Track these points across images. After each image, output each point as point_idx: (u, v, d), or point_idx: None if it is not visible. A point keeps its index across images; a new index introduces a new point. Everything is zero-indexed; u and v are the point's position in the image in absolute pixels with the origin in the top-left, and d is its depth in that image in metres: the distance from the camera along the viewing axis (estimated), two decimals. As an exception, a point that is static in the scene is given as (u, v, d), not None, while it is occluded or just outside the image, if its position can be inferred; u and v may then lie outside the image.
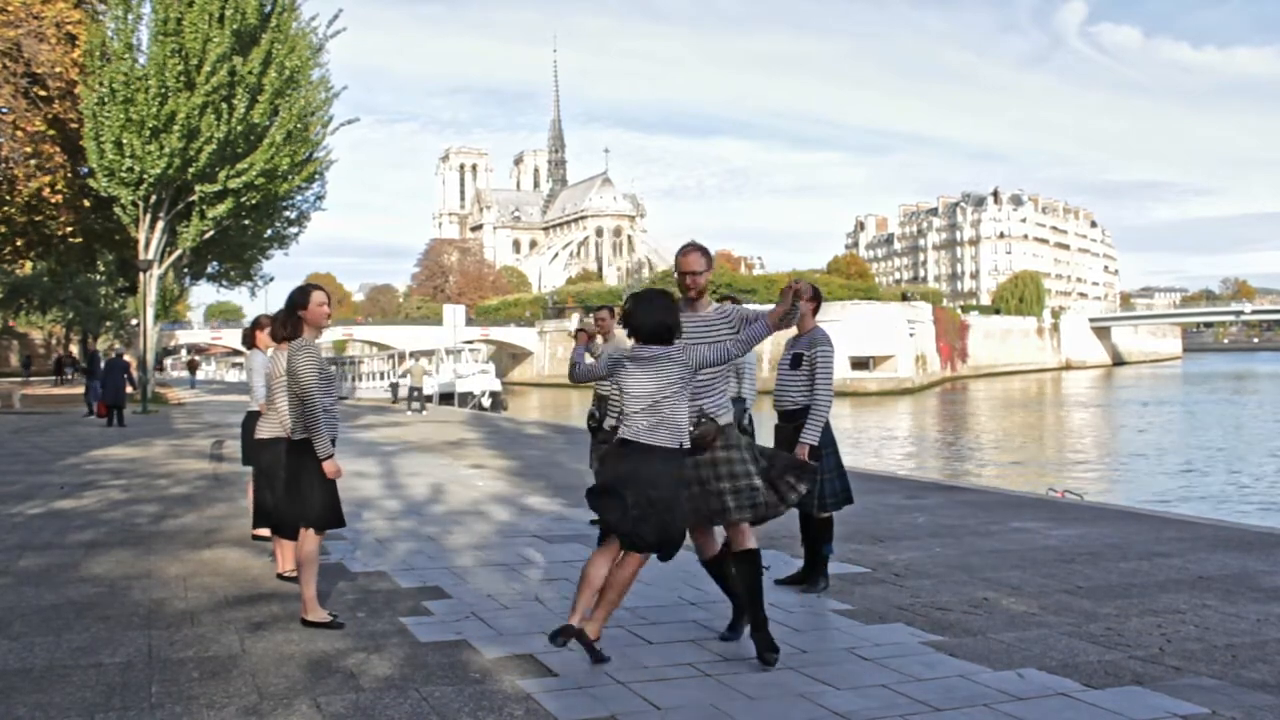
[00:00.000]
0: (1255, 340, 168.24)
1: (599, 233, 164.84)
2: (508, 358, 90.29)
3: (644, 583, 5.64)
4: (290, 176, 28.98)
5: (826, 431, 5.62)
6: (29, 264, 41.60)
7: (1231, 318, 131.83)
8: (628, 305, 4.50)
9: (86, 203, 27.92)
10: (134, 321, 48.37)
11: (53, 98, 25.87)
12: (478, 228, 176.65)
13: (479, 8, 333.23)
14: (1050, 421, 43.08)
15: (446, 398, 36.47)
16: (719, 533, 4.78)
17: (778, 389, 5.75)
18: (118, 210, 26.95)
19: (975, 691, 4.11)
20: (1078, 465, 25.90)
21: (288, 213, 33.64)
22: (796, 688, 4.17)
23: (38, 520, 8.47)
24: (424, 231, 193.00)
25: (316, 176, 31.52)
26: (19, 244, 30.79)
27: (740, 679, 4.26)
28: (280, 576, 6.08)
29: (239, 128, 26.21)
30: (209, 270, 37.76)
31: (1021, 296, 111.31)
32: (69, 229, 29.37)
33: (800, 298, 4.47)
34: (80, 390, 31.43)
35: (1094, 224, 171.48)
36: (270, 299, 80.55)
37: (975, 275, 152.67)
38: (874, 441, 32.94)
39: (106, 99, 25.10)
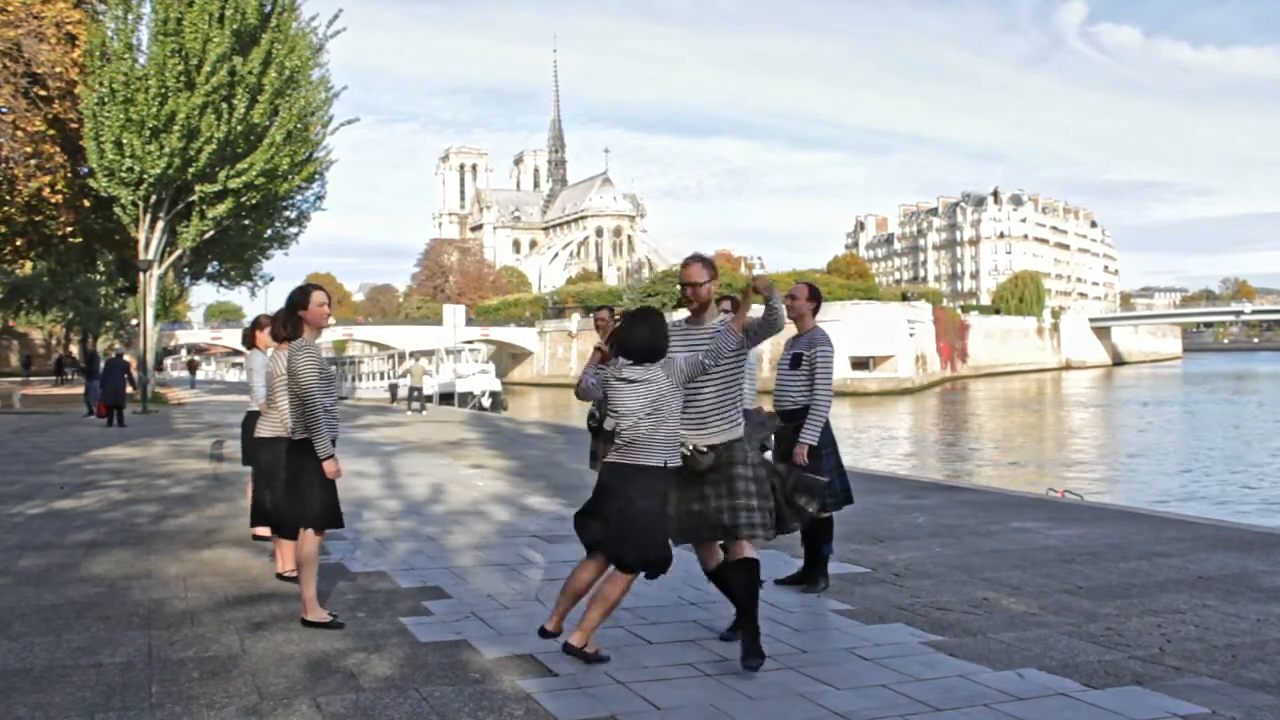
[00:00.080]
0: (1255, 340, 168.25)
1: (599, 233, 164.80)
2: (508, 358, 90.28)
3: (644, 583, 5.64)
4: (290, 176, 28.97)
5: (826, 431, 5.62)
6: (29, 264, 41.58)
7: (1231, 318, 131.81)
8: (620, 323, 4.52)
9: (86, 203, 27.91)
10: (134, 321, 48.36)
11: (53, 98, 25.86)
12: (478, 228, 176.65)
13: (479, 8, 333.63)
14: (1050, 421, 43.07)
15: (446, 398, 36.47)
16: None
17: (777, 389, 5.75)
18: (118, 210, 26.95)
19: (975, 691, 4.11)
20: (1078, 465, 25.89)
21: (288, 213, 33.65)
22: (796, 688, 4.17)
23: (38, 520, 8.47)
24: (424, 231, 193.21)
25: (316, 176, 31.52)
26: (19, 244, 30.78)
27: (740, 679, 4.26)
28: (280, 576, 6.08)
29: (239, 128, 26.21)
30: (209, 270, 37.74)
31: (1021, 296, 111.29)
32: (69, 229, 29.36)
33: (760, 292, 4.41)
34: (80, 390, 31.42)
35: (1094, 224, 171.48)
36: (270, 299, 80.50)
37: (975, 275, 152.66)
38: (874, 441, 32.94)
39: (106, 99, 25.10)
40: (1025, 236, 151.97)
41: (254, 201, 28.29)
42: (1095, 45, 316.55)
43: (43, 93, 25.61)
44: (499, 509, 9.16)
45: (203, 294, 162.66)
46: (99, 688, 4.12)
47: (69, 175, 27.49)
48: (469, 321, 63.04)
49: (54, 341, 69.56)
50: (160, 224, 27.85)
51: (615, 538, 4.35)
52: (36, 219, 28.49)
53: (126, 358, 23.45)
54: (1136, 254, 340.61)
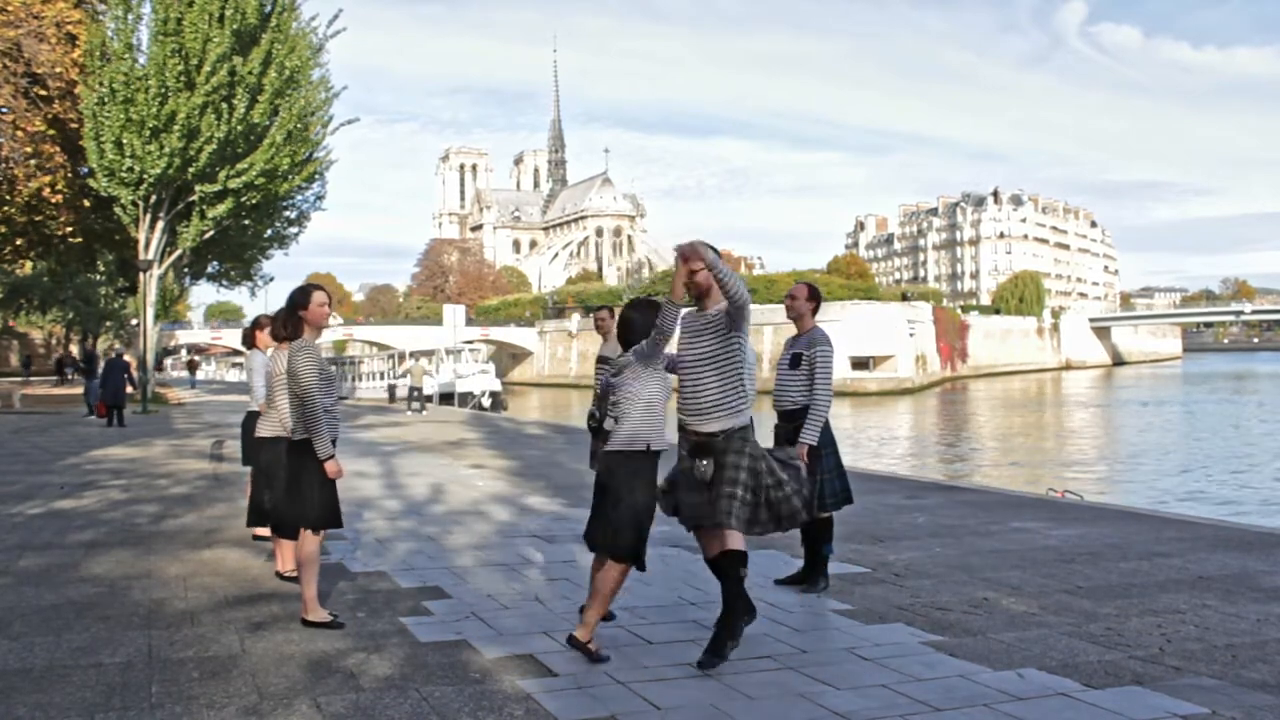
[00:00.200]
0: (1255, 340, 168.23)
1: (599, 233, 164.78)
2: (508, 358, 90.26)
3: (644, 583, 5.65)
4: (290, 176, 28.98)
5: (826, 431, 5.62)
6: (29, 264, 41.59)
7: (1231, 318, 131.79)
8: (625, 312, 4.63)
9: (86, 203, 27.91)
10: (134, 321, 48.37)
11: (53, 98, 25.86)
12: (478, 228, 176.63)
13: (479, 8, 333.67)
14: (1050, 421, 43.06)
15: (446, 398, 36.47)
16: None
17: (777, 389, 5.75)
18: (118, 210, 26.95)
19: (975, 691, 4.11)
20: (1078, 465, 25.89)
21: (288, 213, 33.65)
22: (796, 688, 4.17)
23: (38, 520, 8.47)
24: (424, 231, 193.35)
25: (316, 176, 31.53)
26: (19, 244, 30.77)
27: (740, 679, 4.26)
28: (280, 576, 6.08)
29: (239, 128, 26.21)
30: (209, 270, 37.74)
31: (1021, 296, 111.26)
32: (69, 229, 29.35)
33: (687, 261, 4.38)
34: (80, 390, 31.41)
35: (1094, 224, 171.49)
36: (270, 299, 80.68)
37: (975, 275, 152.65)
38: (874, 441, 32.93)
39: (106, 99, 25.10)
40: (1025, 236, 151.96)
41: (254, 201, 28.29)
42: (1095, 45, 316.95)
43: (43, 93, 25.61)
44: (499, 509, 9.16)
45: (203, 294, 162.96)
46: (99, 688, 4.12)
47: (69, 175, 27.49)
48: (469, 321, 63.05)
49: (54, 341, 69.53)
50: (160, 224, 27.86)
51: (615, 529, 4.40)
52: (36, 219, 28.48)
53: (126, 358, 23.44)
54: (1136, 254, 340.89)
